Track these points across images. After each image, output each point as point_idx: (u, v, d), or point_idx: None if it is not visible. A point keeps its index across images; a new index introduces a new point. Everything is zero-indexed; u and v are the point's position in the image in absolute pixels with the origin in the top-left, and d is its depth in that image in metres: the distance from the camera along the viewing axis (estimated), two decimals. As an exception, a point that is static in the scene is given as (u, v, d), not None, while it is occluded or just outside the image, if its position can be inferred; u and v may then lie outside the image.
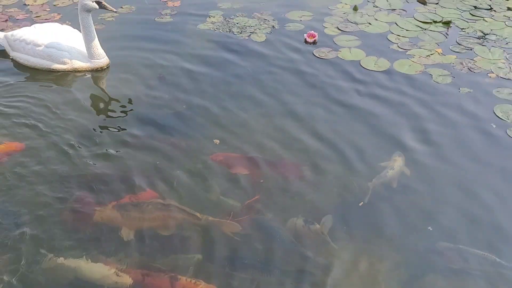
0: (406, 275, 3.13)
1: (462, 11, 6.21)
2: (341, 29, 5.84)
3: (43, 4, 6.19)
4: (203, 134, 4.18)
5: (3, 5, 6.12)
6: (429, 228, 3.42)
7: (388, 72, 5.08)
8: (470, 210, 3.56)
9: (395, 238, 3.35)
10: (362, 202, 3.55)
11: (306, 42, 5.55)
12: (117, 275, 2.99)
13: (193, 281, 3.00)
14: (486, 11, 6.23)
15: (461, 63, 5.22)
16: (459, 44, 5.55)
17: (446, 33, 5.78)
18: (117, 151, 3.95)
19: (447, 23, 5.94)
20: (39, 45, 4.89)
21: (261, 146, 4.05)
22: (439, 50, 5.43)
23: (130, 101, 4.57)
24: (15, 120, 4.22)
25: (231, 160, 3.86)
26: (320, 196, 3.63)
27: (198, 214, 3.34)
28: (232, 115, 4.42)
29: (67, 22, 5.80)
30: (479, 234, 3.39)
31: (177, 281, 3.00)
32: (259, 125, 4.30)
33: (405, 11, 6.22)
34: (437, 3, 6.38)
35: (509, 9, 6.28)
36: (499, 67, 5.15)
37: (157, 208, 3.39)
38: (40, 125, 4.17)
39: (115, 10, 4.98)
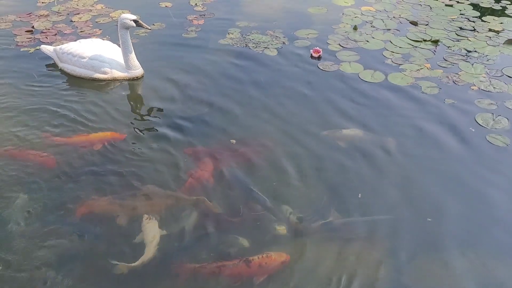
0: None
1: (449, 31, 6.43)
2: (343, 45, 6.05)
3: (87, 21, 6.50)
4: (222, 134, 4.44)
5: (53, 21, 6.44)
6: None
7: (383, 84, 5.33)
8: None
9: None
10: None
11: (311, 56, 5.77)
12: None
13: (264, 255, 3.07)
14: (470, 31, 6.45)
15: (447, 77, 5.45)
16: (446, 60, 5.77)
17: (434, 50, 6.00)
18: (149, 147, 4.27)
19: (435, 42, 6.15)
20: (84, 57, 5.14)
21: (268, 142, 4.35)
22: (428, 65, 5.65)
23: (160, 106, 4.85)
24: (63, 120, 4.55)
25: (200, 153, 4.11)
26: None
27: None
28: (247, 118, 4.66)
29: (107, 36, 6.12)
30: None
31: (252, 262, 3.05)
32: (269, 127, 4.56)
33: (399, 30, 6.44)
34: (427, 24, 6.60)
35: (490, 30, 6.50)
36: (481, 81, 5.38)
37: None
38: (87, 122, 4.53)
39: (149, 28, 5.23)
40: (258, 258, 3.08)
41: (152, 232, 3.30)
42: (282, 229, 3.45)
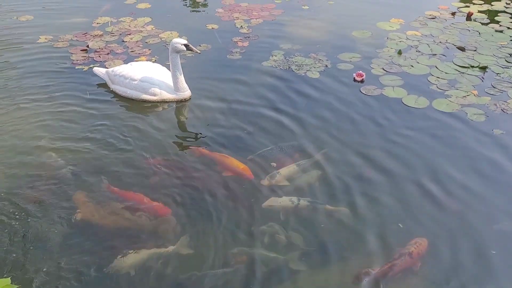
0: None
1: (498, 57, 6.28)
2: (386, 70, 6.02)
3: (137, 41, 6.81)
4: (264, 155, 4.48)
5: (106, 41, 6.80)
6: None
7: (427, 109, 5.25)
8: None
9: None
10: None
11: (354, 80, 5.76)
12: None
13: (417, 243, 3.38)
14: (521, 58, 6.26)
15: (495, 104, 5.31)
16: (494, 87, 5.62)
17: (482, 77, 5.86)
18: (190, 165, 4.42)
19: (483, 68, 6.01)
20: (135, 80, 5.30)
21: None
22: (475, 92, 5.52)
23: (204, 127, 4.97)
24: (111, 139, 4.73)
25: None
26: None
27: None
28: (289, 141, 4.69)
29: (156, 56, 6.39)
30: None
31: (413, 253, 3.37)
32: (312, 149, 4.60)
33: (445, 56, 6.34)
34: (475, 50, 6.47)
35: (542, 57, 6.29)
36: (531, 109, 5.19)
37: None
38: (133, 140, 4.70)
39: (199, 51, 5.33)
40: (415, 248, 3.36)
41: None
42: None
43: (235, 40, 6.83)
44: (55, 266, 3.37)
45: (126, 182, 4.16)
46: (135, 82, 5.33)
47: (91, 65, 6.10)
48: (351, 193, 4.06)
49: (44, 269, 3.33)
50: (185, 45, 5.14)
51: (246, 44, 6.72)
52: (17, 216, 3.76)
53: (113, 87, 5.53)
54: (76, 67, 6.14)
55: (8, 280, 2.20)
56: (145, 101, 5.38)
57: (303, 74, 5.94)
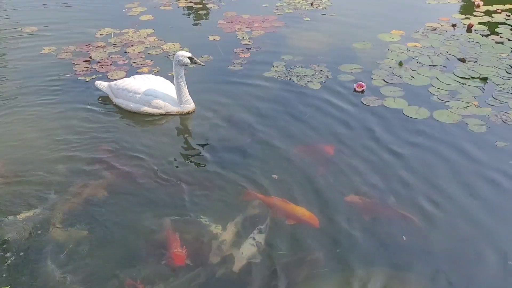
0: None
1: (498, 69, 6.28)
2: (387, 81, 6.03)
3: (140, 52, 6.85)
4: (264, 166, 4.48)
5: (108, 52, 6.85)
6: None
7: (428, 121, 5.25)
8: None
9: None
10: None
11: (355, 91, 5.78)
12: None
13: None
14: (522, 69, 6.25)
15: (496, 115, 5.32)
16: (495, 98, 5.62)
17: (483, 88, 5.87)
18: (192, 175, 4.44)
19: (484, 79, 6.02)
20: (139, 93, 5.25)
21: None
22: (476, 103, 5.52)
23: (206, 139, 4.96)
24: (118, 151, 4.74)
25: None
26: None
27: None
28: (290, 152, 4.68)
29: (158, 67, 6.42)
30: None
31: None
32: (311, 161, 4.60)
33: (446, 67, 6.35)
34: (475, 61, 6.49)
35: (543, 69, 6.28)
36: (532, 120, 5.18)
37: None
38: (141, 154, 4.68)
39: (203, 64, 5.32)
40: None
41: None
42: None
43: (237, 51, 6.87)
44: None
45: (133, 195, 4.17)
46: (139, 95, 5.30)
47: (94, 76, 6.15)
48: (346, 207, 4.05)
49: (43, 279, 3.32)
50: (190, 58, 5.15)
51: (247, 55, 6.76)
52: (19, 226, 3.76)
53: (116, 101, 5.49)
54: (78, 78, 6.18)
55: (7, 288, 2.19)
56: (149, 114, 5.36)
57: (304, 85, 5.97)
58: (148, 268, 3.47)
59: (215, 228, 3.75)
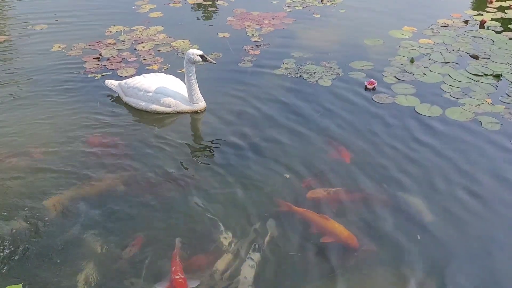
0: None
1: (512, 65, 6.20)
2: (399, 78, 5.98)
3: (149, 49, 6.85)
4: (276, 166, 4.43)
5: (118, 49, 6.86)
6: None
7: (440, 118, 5.19)
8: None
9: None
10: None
11: (366, 88, 5.73)
12: None
13: None
14: (536, 66, 6.16)
15: (510, 113, 5.24)
16: (508, 96, 5.56)
17: (496, 85, 5.80)
18: (202, 173, 4.42)
19: (497, 76, 5.95)
20: (149, 92, 5.21)
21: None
22: (489, 100, 5.46)
23: (216, 138, 4.92)
24: (128, 149, 4.73)
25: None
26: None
27: None
28: (300, 149, 4.65)
29: (167, 64, 6.42)
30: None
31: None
32: (323, 158, 4.58)
33: (458, 64, 6.28)
34: (488, 58, 6.41)
35: (558, 65, 6.21)
36: (546, 118, 5.11)
37: None
38: (151, 153, 4.66)
39: (215, 62, 5.27)
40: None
41: None
42: None
43: (247, 48, 6.85)
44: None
45: (143, 192, 4.16)
46: (150, 94, 5.26)
47: (104, 73, 6.16)
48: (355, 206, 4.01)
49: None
50: (201, 56, 5.12)
51: (257, 52, 6.73)
52: (34, 223, 3.78)
53: (126, 99, 5.45)
54: (89, 75, 6.19)
55: (20, 286, 2.20)
56: (159, 113, 5.31)
57: (315, 82, 5.93)
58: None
59: (224, 238, 3.63)
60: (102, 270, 3.43)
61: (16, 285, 2.21)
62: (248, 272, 3.34)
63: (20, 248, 3.54)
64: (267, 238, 3.63)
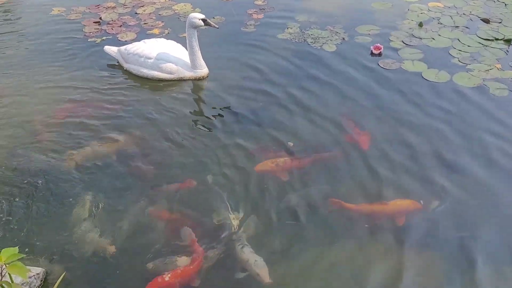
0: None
1: (524, 30, 6.00)
2: (406, 43, 5.84)
3: (150, 13, 6.70)
4: (280, 134, 4.39)
5: (119, 13, 6.72)
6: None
7: (447, 84, 5.09)
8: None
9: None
10: None
11: (372, 53, 5.62)
12: None
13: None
14: (548, 31, 5.98)
15: (519, 79, 5.14)
16: (519, 61, 5.43)
17: (507, 50, 5.66)
18: (203, 137, 4.39)
19: (508, 41, 5.80)
20: (150, 58, 5.09)
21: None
22: (498, 66, 5.33)
23: (219, 105, 4.85)
24: (130, 115, 4.69)
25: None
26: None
27: None
28: (305, 116, 4.60)
29: (168, 28, 6.29)
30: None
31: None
32: (326, 126, 4.52)
33: (468, 28, 6.12)
34: (500, 22, 6.23)
35: None
36: (557, 84, 5.01)
37: None
38: (153, 120, 4.61)
39: (217, 26, 5.12)
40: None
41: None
42: None
43: (250, 12, 6.69)
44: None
45: (144, 157, 4.16)
46: (151, 60, 5.14)
47: (104, 38, 6.06)
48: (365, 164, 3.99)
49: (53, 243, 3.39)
50: (203, 20, 4.97)
51: (261, 16, 6.57)
52: (31, 191, 3.81)
53: (127, 66, 5.34)
54: (88, 39, 6.09)
55: (16, 249, 2.22)
56: (161, 80, 5.22)
57: (319, 47, 5.81)
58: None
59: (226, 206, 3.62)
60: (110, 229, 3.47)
61: (12, 248, 2.21)
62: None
63: (25, 209, 3.59)
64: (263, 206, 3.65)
